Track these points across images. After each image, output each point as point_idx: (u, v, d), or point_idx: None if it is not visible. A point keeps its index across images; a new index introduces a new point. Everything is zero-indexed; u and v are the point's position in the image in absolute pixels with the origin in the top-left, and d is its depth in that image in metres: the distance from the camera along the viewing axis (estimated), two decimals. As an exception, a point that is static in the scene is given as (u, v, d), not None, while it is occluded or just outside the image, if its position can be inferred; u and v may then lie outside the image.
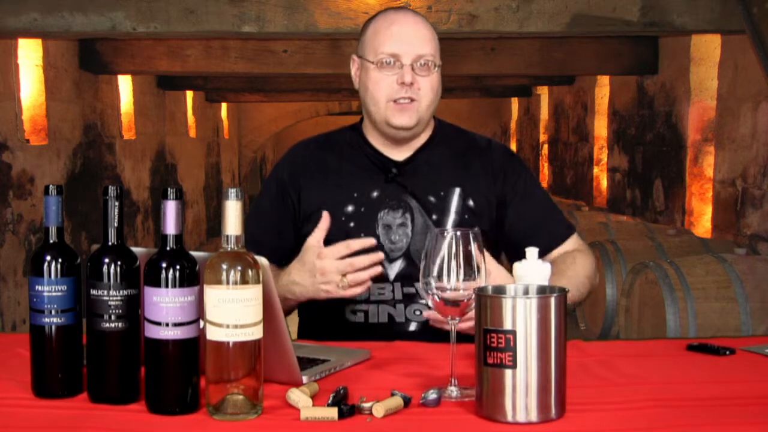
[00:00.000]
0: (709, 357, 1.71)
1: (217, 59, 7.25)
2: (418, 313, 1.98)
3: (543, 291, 1.42)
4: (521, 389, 1.31)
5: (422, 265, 1.48)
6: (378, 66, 1.97)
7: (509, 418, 1.32)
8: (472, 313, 1.43)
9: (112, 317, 1.39)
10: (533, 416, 1.32)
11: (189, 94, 11.71)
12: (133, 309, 1.41)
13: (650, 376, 1.57)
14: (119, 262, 1.40)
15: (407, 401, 1.38)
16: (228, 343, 1.34)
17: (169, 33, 4.82)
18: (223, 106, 14.04)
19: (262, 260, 1.40)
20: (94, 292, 1.39)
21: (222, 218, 1.37)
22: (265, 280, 1.40)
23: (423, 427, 1.31)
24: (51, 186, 1.45)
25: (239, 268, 1.35)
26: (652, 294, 4.42)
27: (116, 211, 1.41)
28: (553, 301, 1.32)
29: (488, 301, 1.33)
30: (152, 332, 1.36)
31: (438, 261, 1.46)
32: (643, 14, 4.72)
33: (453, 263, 1.45)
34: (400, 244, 1.99)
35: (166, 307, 1.35)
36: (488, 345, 1.32)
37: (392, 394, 1.39)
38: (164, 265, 1.36)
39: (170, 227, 1.37)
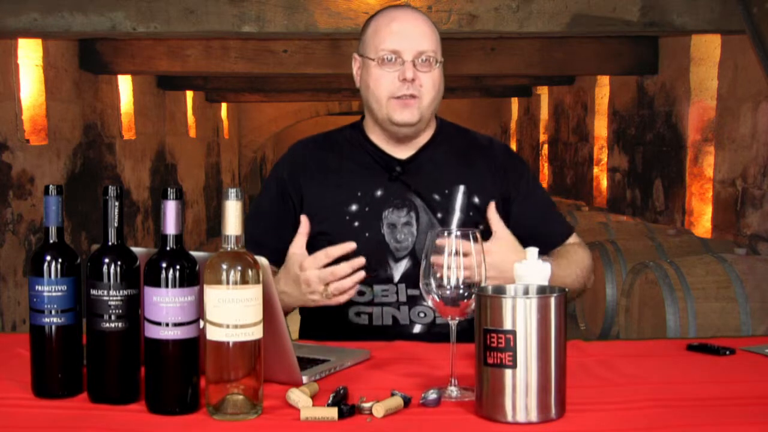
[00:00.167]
0: (709, 357, 1.71)
1: (217, 59, 7.25)
2: (422, 315, 1.97)
3: (543, 291, 1.42)
4: (521, 389, 1.31)
5: (422, 265, 1.48)
6: (379, 63, 1.96)
7: (509, 418, 1.32)
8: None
9: (112, 317, 1.39)
10: (533, 416, 1.32)
11: (189, 94, 11.70)
12: (133, 309, 1.41)
13: (650, 376, 1.57)
14: (119, 262, 1.40)
15: (407, 401, 1.38)
16: (228, 343, 1.34)
17: (169, 33, 4.82)
18: (223, 106, 14.04)
19: (262, 260, 1.40)
20: (94, 292, 1.39)
21: (222, 218, 1.37)
22: (265, 280, 1.40)
23: (423, 427, 1.31)
24: (51, 186, 1.45)
25: (239, 268, 1.35)
26: (652, 294, 4.42)
27: (116, 211, 1.41)
28: (553, 301, 1.32)
29: (488, 301, 1.33)
30: (152, 332, 1.37)
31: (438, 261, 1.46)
32: (643, 14, 4.72)
33: (453, 263, 1.45)
34: (405, 243, 1.98)
35: (166, 307, 1.36)
36: (488, 345, 1.32)
37: (392, 394, 1.39)
38: (164, 265, 1.36)
39: (170, 227, 1.37)
